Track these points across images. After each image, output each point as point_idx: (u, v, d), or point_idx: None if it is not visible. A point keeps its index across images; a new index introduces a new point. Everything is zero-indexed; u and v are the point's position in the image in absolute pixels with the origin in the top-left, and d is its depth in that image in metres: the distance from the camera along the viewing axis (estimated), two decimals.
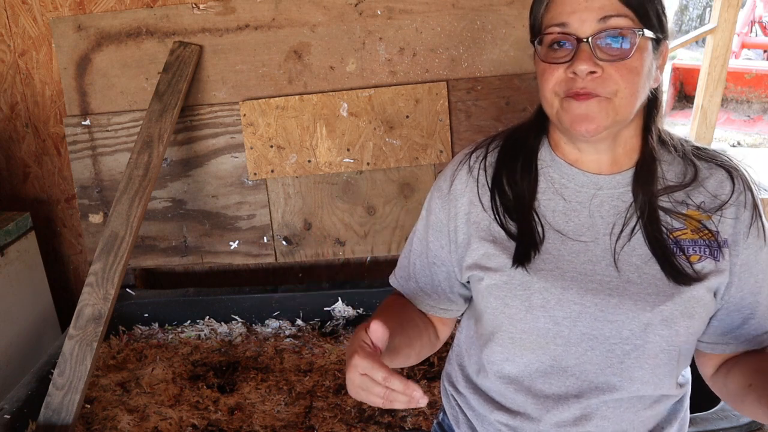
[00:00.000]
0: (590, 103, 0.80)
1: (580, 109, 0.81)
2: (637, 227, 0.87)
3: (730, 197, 0.86)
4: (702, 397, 1.20)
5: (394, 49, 1.76)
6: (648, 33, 0.80)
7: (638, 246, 0.86)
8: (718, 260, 0.85)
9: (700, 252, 0.85)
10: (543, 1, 0.84)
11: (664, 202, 0.87)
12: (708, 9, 7.45)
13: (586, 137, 0.83)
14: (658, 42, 0.83)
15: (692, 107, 2.27)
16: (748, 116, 5.66)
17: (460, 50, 1.74)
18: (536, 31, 0.86)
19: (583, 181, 0.90)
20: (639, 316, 0.84)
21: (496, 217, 0.92)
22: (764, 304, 0.89)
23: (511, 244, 0.90)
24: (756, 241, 0.86)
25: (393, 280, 1.07)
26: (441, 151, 1.77)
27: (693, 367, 0.98)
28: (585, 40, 0.79)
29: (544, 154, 0.93)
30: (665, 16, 0.83)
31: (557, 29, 0.82)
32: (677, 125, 5.25)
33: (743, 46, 6.35)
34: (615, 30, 0.79)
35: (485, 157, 0.96)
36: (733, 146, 5.16)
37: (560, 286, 0.87)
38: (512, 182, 0.92)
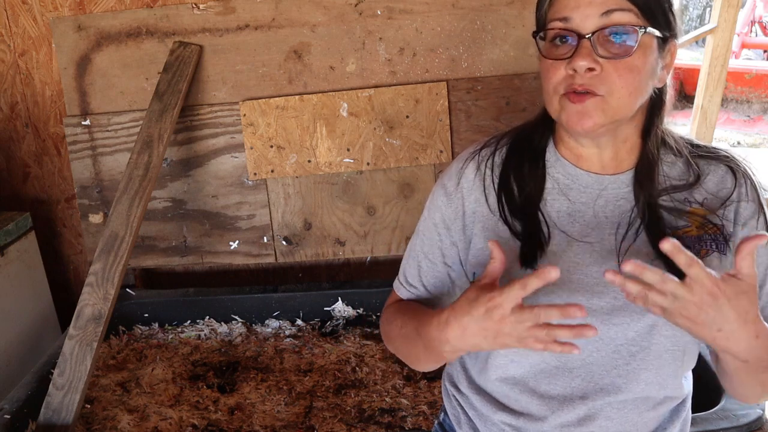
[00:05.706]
0: (586, 103, 0.80)
1: (577, 108, 0.81)
2: (642, 227, 0.86)
3: (733, 191, 0.86)
4: (702, 397, 1.20)
5: (394, 49, 1.76)
6: (652, 30, 0.79)
7: (644, 245, 0.86)
8: (725, 254, 0.85)
9: (706, 247, 0.85)
10: None
11: (666, 201, 0.87)
12: (708, 9, 7.44)
13: (584, 134, 0.84)
14: (664, 40, 0.82)
15: (692, 107, 2.27)
16: (748, 116, 5.66)
17: (460, 50, 1.74)
18: (540, 26, 0.86)
19: (587, 182, 0.90)
20: (644, 317, 0.84)
21: (502, 216, 0.91)
22: (764, 300, 0.88)
23: (517, 245, 0.89)
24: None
25: (397, 285, 1.05)
26: (441, 151, 1.77)
27: (694, 368, 0.98)
28: (586, 36, 0.79)
29: (549, 154, 0.93)
30: (673, 13, 0.82)
31: (560, 24, 0.81)
32: (677, 125, 5.24)
33: (743, 46, 6.34)
34: (617, 26, 0.78)
35: (493, 156, 0.96)
36: (733, 146, 5.17)
37: (567, 288, 0.86)
38: (520, 182, 0.92)
